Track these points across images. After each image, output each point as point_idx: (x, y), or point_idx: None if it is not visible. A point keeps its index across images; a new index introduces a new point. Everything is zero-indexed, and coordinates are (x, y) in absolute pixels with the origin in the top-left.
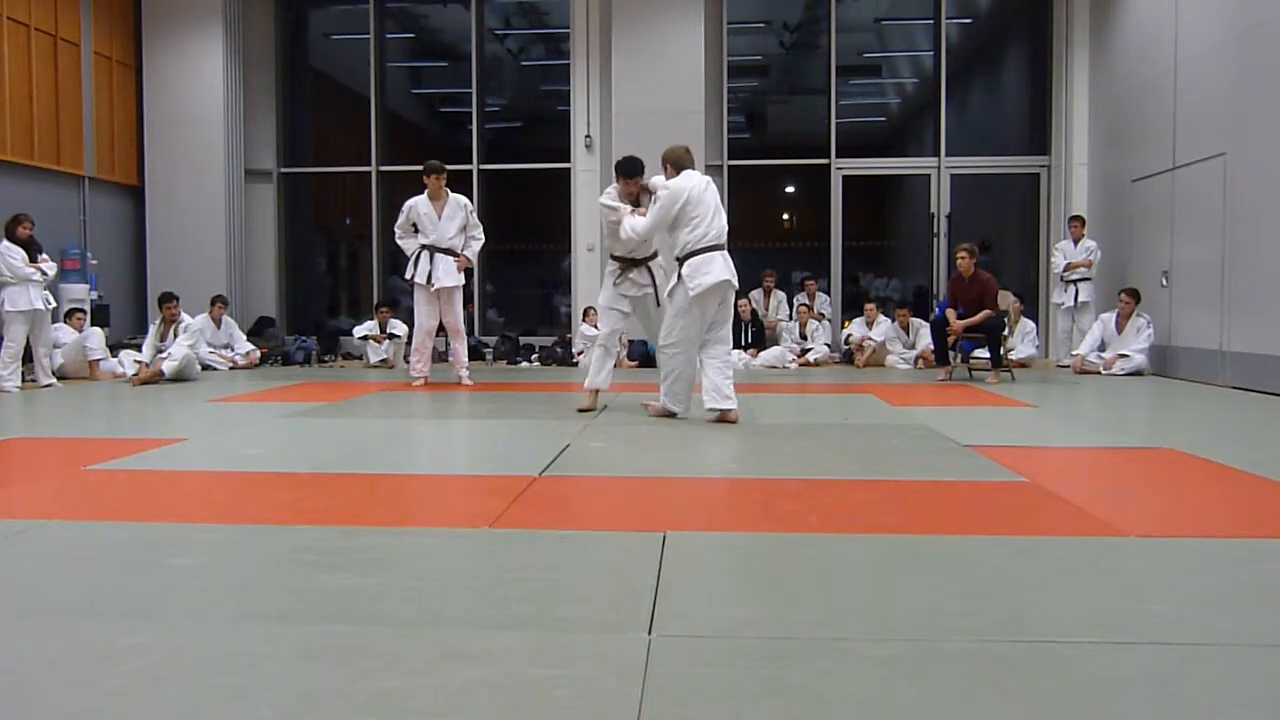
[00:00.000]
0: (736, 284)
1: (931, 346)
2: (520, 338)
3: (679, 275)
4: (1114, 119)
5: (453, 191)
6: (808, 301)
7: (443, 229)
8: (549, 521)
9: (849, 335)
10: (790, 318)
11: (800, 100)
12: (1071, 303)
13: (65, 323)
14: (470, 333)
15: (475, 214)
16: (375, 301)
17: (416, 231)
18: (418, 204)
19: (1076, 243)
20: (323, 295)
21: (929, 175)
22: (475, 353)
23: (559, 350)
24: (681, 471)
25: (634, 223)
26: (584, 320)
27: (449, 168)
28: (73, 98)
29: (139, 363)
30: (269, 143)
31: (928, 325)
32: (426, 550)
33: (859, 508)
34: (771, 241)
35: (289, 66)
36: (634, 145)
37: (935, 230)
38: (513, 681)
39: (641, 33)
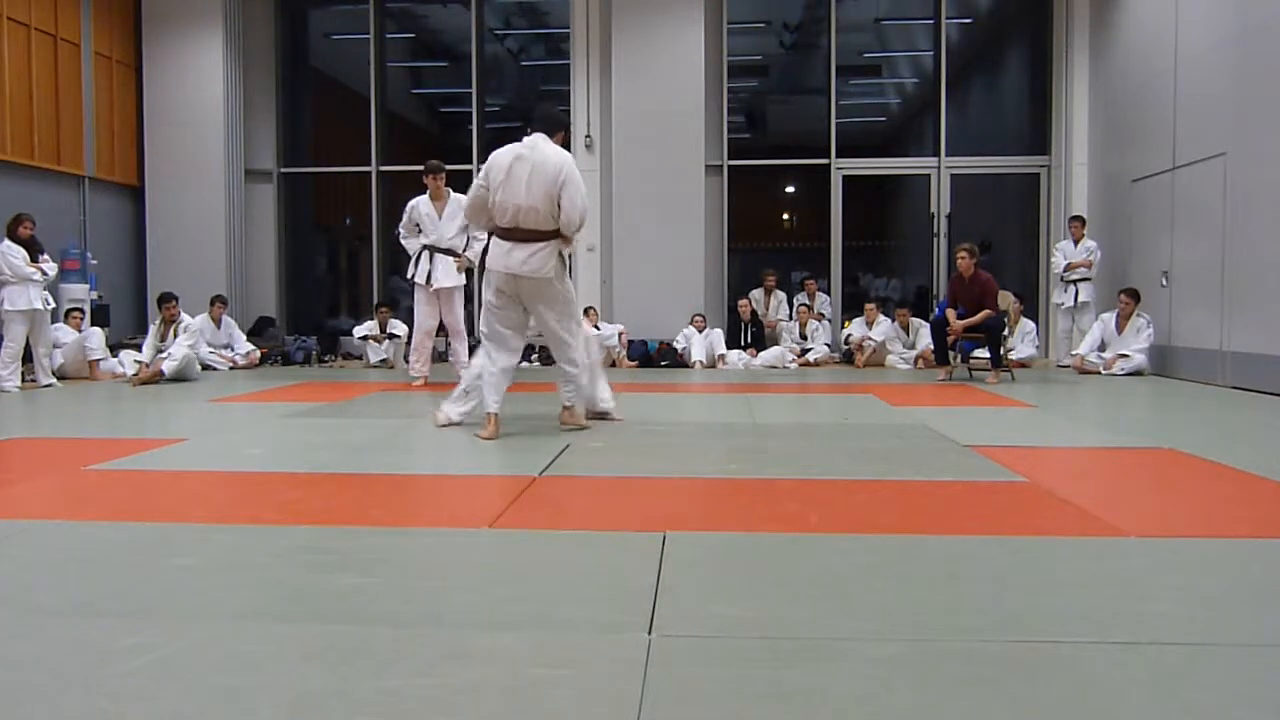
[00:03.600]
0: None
1: (931, 346)
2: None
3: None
4: (1114, 119)
5: (454, 192)
6: (808, 301)
7: (443, 229)
8: (549, 521)
9: (849, 335)
10: (790, 318)
11: (800, 100)
12: (1071, 303)
13: (65, 323)
14: (470, 333)
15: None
16: (375, 301)
17: (420, 231)
18: (419, 204)
19: (1076, 243)
20: (323, 295)
21: (929, 175)
22: (475, 353)
23: None
24: (681, 471)
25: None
26: (584, 320)
27: (450, 168)
28: (73, 98)
29: (139, 363)
30: (269, 143)
31: (928, 325)
32: (426, 550)
33: (859, 508)
34: (771, 241)
35: (289, 66)
36: (634, 145)
37: (935, 230)
38: (513, 681)
39: (641, 33)
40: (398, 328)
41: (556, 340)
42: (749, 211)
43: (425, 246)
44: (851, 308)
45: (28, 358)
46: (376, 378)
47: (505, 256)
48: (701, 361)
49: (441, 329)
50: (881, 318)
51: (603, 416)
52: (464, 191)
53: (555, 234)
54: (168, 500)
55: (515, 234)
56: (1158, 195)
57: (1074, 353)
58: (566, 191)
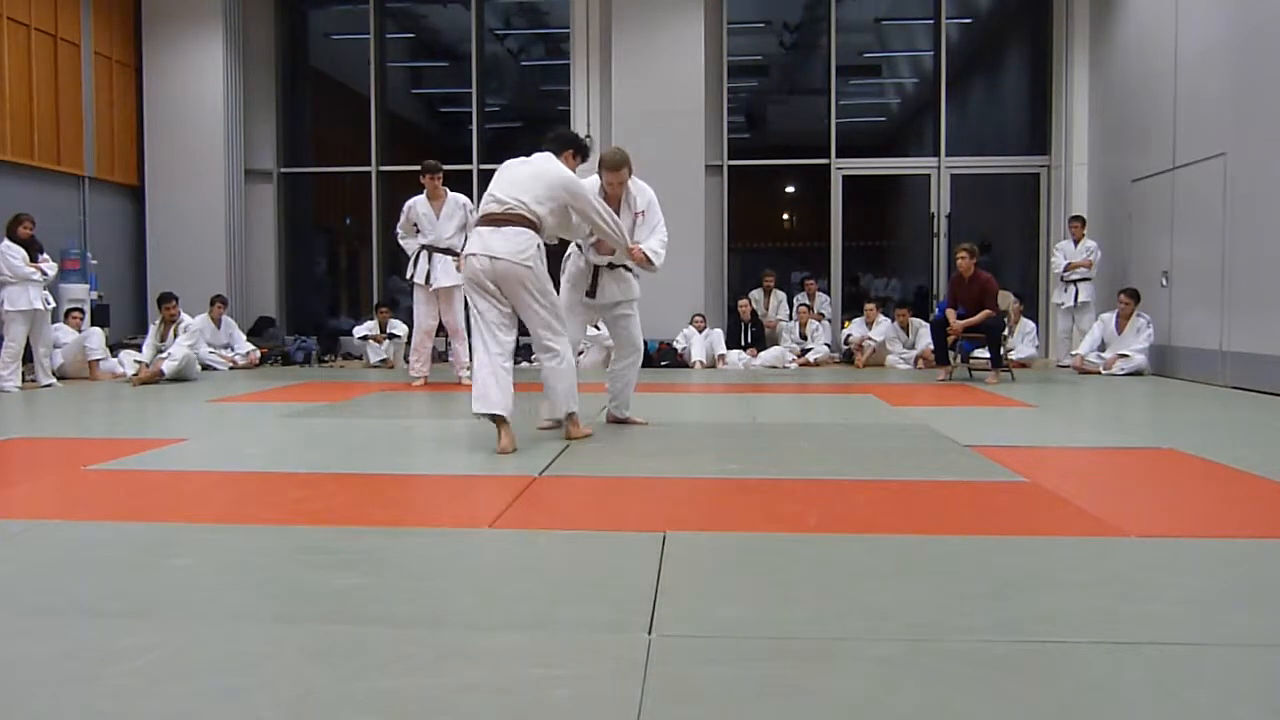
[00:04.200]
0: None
1: (931, 346)
2: (520, 337)
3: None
4: (1114, 119)
5: (453, 191)
6: (808, 301)
7: (441, 229)
8: (549, 521)
9: (849, 335)
10: (790, 318)
11: (800, 100)
12: (1071, 303)
13: (65, 323)
14: (470, 332)
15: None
16: (375, 301)
17: (418, 231)
18: (417, 204)
19: (1076, 243)
20: (323, 295)
21: (929, 175)
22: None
23: None
24: (681, 471)
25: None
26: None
27: (450, 168)
28: (73, 98)
29: (139, 363)
30: (269, 143)
31: (928, 325)
32: (426, 550)
33: (859, 508)
34: (771, 241)
35: (289, 66)
36: (634, 145)
37: (935, 230)
38: (513, 681)
39: (641, 33)
40: (398, 328)
41: (542, 328)
42: (749, 211)
43: (424, 246)
44: (851, 308)
45: (28, 358)
46: (376, 378)
47: (483, 241)
48: (701, 361)
49: (441, 329)
50: (881, 318)
51: (624, 422)
52: (462, 191)
53: (537, 227)
54: (168, 500)
55: (496, 219)
56: (1158, 195)
57: (1074, 353)
58: (580, 205)
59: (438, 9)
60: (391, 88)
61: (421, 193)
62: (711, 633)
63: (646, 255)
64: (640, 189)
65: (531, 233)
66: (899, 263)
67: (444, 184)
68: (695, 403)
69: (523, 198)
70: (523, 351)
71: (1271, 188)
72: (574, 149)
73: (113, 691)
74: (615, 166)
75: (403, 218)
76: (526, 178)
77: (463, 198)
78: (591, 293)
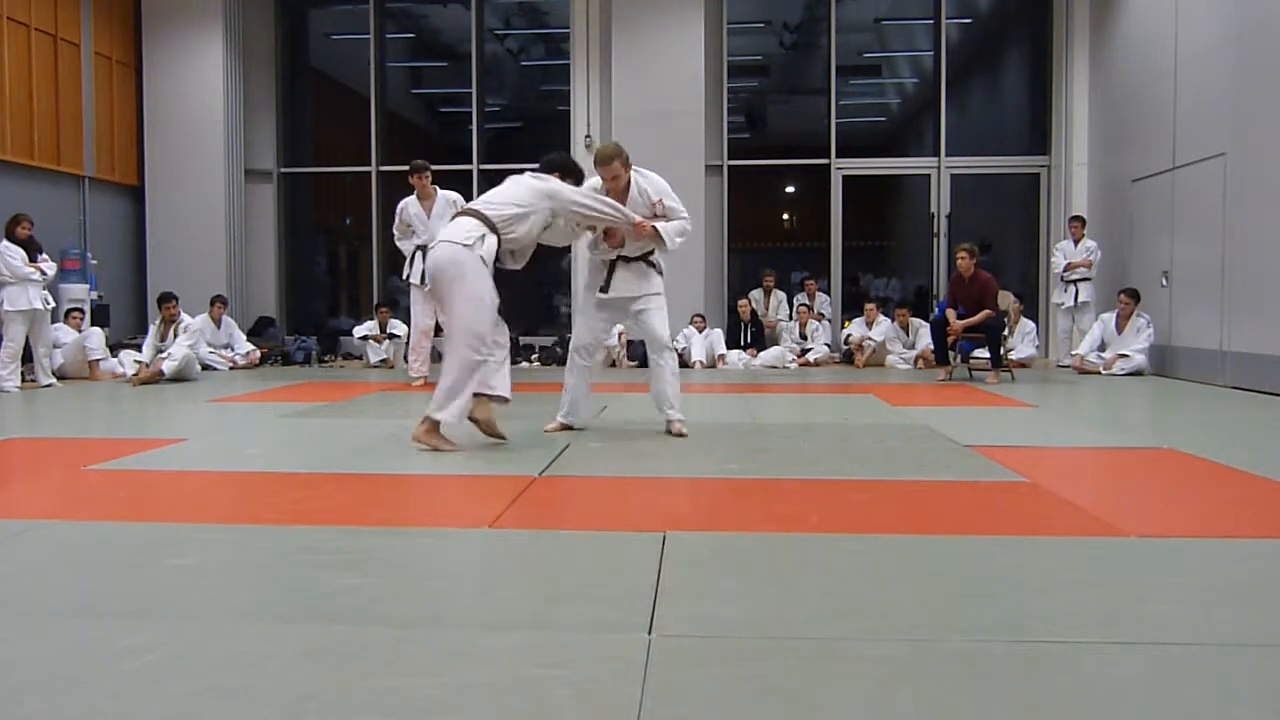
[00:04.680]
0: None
1: (931, 346)
2: (520, 337)
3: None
4: (1114, 119)
5: (452, 191)
6: (808, 301)
7: (433, 227)
8: (549, 521)
9: (849, 335)
10: (790, 318)
11: (800, 100)
12: (1071, 303)
13: (65, 323)
14: None
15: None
16: (375, 301)
17: (413, 232)
18: (408, 205)
19: (1076, 243)
20: (323, 295)
21: (929, 175)
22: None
23: (559, 350)
24: (681, 471)
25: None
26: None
27: (450, 168)
28: (73, 98)
29: (139, 363)
30: (269, 143)
31: (928, 325)
32: (426, 550)
33: (859, 508)
34: (771, 241)
35: (289, 66)
36: (634, 145)
37: (935, 230)
38: (513, 681)
39: (641, 33)
40: (398, 328)
41: (458, 328)
42: (749, 211)
43: (418, 246)
44: (851, 308)
45: (28, 358)
46: (376, 378)
47: (439, 237)
48: (701, 361)
49: (439, 329)
50: (881, 318)
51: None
52: (463, 193)
53: (491, 224)
54: (168, 500)
55: (453, 218)
56: (1158, 195)
57: (1074, 353)
58: (559, 204)
59: (438, 9)
60: (391, 88)
61: (413, 193)
62: (711, 633)
63: (657, 230)
64: (650, 180)
65: (478, 223)
66: (899, 263)
67: (441, 183)
68: (695, 403)
69: (488, 201)
70: (522, 351)
71: (1271, 188)
72: (563, 171)
73: (113, 691)
74: (605, 160)
75: (396, 220)
76: (502, 191)
77: (453, 194)
78: (605, 288)
